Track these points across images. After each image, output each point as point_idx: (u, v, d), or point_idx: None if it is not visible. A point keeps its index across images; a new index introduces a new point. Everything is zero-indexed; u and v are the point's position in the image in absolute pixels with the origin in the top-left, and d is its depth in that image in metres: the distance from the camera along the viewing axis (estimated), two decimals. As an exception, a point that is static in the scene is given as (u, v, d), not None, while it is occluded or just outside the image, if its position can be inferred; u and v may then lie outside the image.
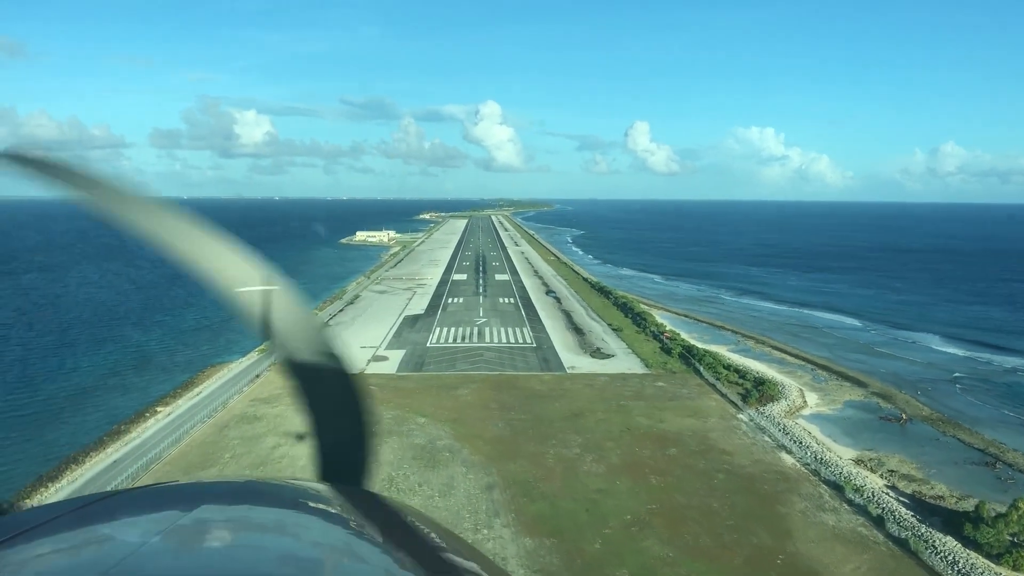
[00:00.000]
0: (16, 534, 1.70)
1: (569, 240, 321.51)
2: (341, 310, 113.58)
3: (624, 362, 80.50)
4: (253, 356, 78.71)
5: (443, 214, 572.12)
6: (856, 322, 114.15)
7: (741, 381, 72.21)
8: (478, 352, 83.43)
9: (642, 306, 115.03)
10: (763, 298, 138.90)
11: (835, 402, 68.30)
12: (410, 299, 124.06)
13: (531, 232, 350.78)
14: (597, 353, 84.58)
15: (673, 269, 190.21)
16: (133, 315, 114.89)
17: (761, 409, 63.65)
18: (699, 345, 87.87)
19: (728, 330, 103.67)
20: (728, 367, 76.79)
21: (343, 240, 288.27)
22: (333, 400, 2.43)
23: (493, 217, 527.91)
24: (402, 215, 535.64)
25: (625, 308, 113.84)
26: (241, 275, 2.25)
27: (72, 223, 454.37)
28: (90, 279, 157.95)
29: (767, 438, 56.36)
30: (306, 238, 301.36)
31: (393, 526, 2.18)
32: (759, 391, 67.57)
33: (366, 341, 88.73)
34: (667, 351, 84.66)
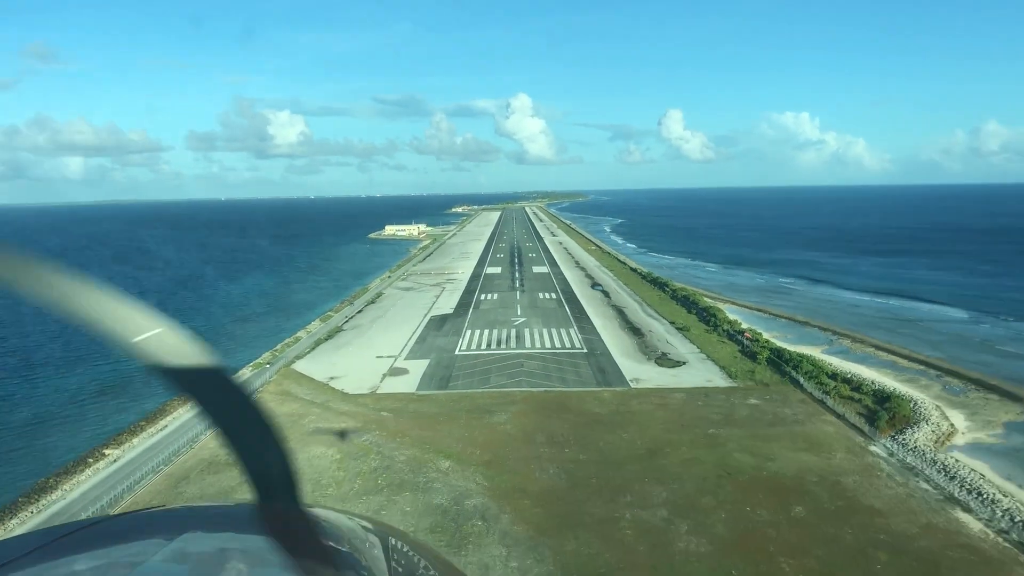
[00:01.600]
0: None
1: (607, 229, 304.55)
2: (360, 311, 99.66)
3: (700, 371, 64.82)
4: (242, 375, 64.99)
5: (476, 207, 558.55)
6: (961, 313, 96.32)
7: (856, 395, 56.16)
8: (517, 361, 68.51)
9: (706, 300, 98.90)
10: (838, 287, 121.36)
11: (992, 424, 51.75)
12: (438, 296, 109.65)
13: (567, 222, 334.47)
14: (664, 360, 69.00)
15: (727, 256, 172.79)
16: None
17: (899, 437, 47.59)
18: (787, 347, 71.76)
19: (814, 326, 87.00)
20: (834, 375, 60.67)
21: (372, 235, 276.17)
22: (248, 425, 2.30)
23: (527, 208, 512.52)
24: (435, 209, 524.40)
25: (686, 302, 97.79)
26: (132, 323, 2.08)
27: (96, 226, 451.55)
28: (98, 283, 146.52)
29: (925, 485, 40.35)
30: (334, 234, 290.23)
31: (338, 537, 2.16)
32: (886, 410, 51.42)
33: (384, 349, 74.45)
34: (750, 356, 68.72)
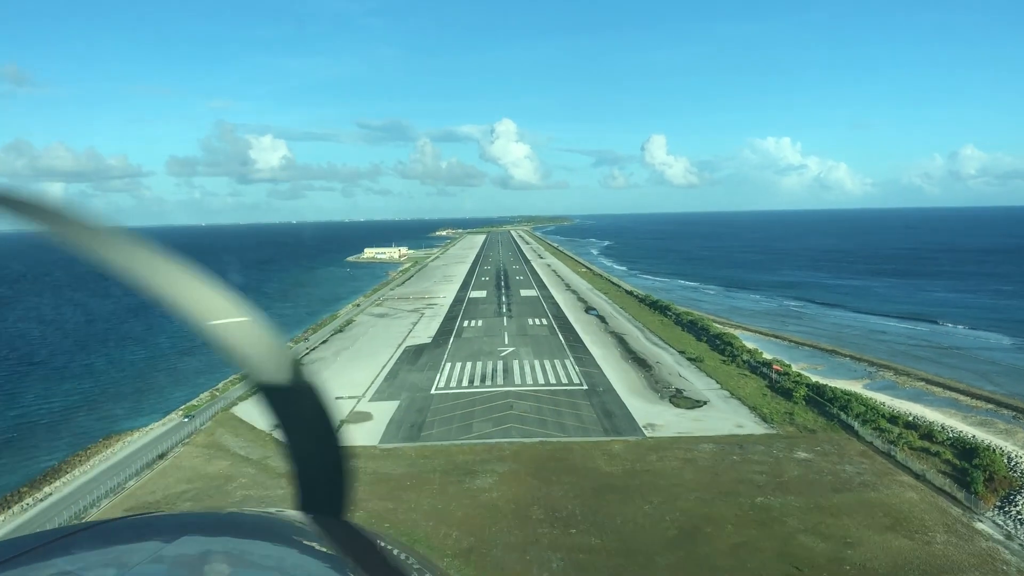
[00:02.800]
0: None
1: (596, 251, 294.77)
2: (324, 341, 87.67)
3: (726, 413, 53.45)
4: (170, 421, 53.05)
5: (460, 230, 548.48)
6: (1004, 338, 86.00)
7: (930, 445, 44.93)
8: (505, 401, 56.81)
9: (716, 325, 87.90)
10: (854, 310, 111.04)
11: (1113, 485, 40.67)
12: (415, 323, 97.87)
13: (555, 244, 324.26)
14: (680, 398, 57.58)
15: (724, 278, 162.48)
16: (60, 357, 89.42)
17: (1010, 510, 36.32)
18: (823, 380, 60.69)
19: (843, 355, 76.15)
20: (893, 419, 49.53)
21: (350, 258, 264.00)
22: (309, 429, 2.27)
23: (512, 231, 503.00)
24: (419, 233, 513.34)
25: (694, 328, 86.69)
26: (213, 307, 2.11)
27: (64, 252, 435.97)
28: (37, 311, 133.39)
29: (1077, 586, 29.05)
30: (311, 258, 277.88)
31: (375, 557, 2.15)
32: (978, 468, 40.21)
33: (345, 388, 62.51)
34: (783, 393, 57.51)
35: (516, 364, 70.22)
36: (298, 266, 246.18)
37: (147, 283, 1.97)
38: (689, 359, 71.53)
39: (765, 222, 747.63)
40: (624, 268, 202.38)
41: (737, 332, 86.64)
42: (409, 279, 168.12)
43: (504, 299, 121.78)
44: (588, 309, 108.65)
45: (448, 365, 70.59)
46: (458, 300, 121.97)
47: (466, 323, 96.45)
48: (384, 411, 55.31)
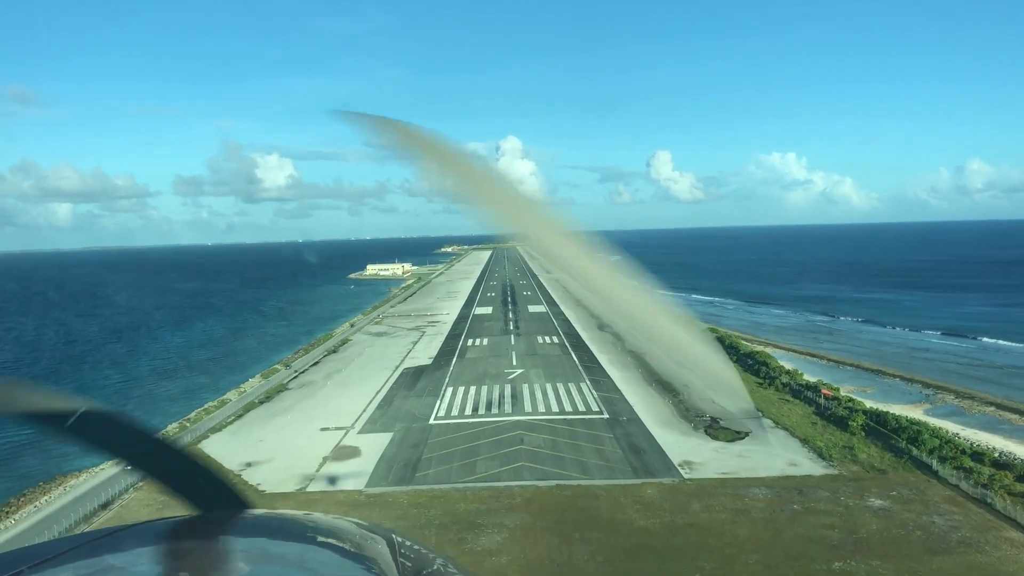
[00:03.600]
0: (36, 563, 1.80)
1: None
2: (316, 362, 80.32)
3: (774, 447, 45.72)
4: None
5: (466, 247, 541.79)
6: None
7: (1029, 489, 37.07)
8: (514, 434, 49.20)
9: (745, 343, 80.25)
10: (890, 325, 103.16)
11: None
12: (415, 343, 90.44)
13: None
14: (717, 429, 49.88)
15: (744, 292, 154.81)
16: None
17: None
18: (877, 405, 52.92)
19: (891, 375, 68.38)
20: (978, 455, 41.68)
21: (352, 275, 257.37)
22: (136, 447, 2.35)
23: (519, 247, 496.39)
24: (424, 250, 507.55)
25: (721, 346, 78.98)
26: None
27: (65, 272, 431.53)
28: (18, 331, 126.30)
29: None
30: (313, 276, 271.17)
31: (391, 552, 2.12)
32: (1101, 519, 32.35)
33: (332, 418, 55.09)
34: (836, 422, 49.82)
35: (526, 388, 62.64)
36: (297, 284, 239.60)
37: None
38: None
39: (773, 236, 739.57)
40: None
41: (768, 350, 78.84)
42: (411, 295, 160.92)
43: (511, 315, 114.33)
44: (602, 326, 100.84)
45: (449, 390, 63.02)
46: (462, 317, 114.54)
47: (470, 342, 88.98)
48: (375, 445, 47.73)
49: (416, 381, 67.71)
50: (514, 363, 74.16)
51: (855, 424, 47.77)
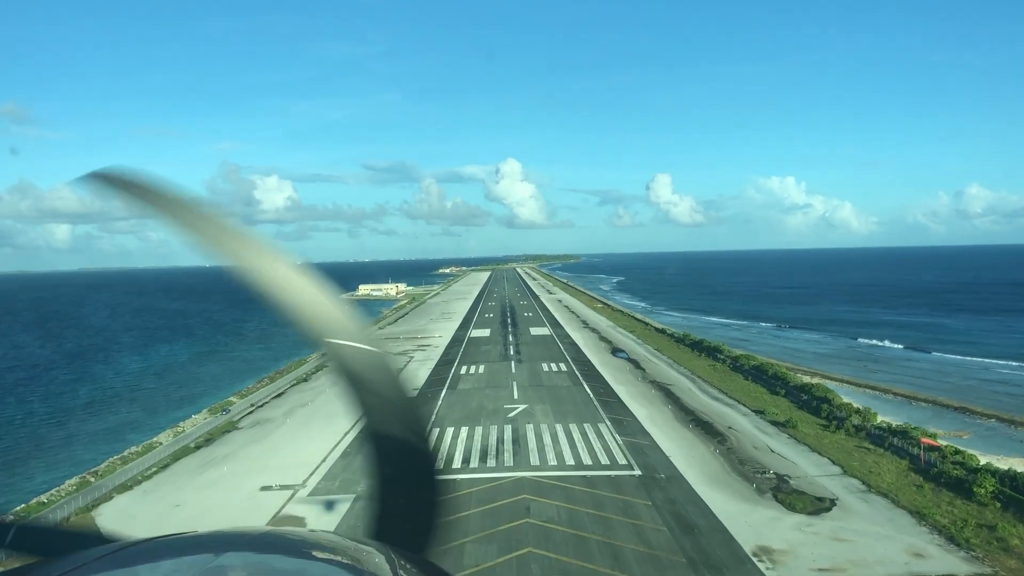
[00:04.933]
0: None
1: (609, 287, 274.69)
2: (280, 393, 67.83)
3: (879, 525, 32.88)
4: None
5: (464, 268, 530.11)
6: None
7: None
8: (517, 499, 36.37)
9: (789, 372, 67.59)
10: (941, 350, 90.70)
11: None
12: (400, 370, 77.64)
13: (563, 280, 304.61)
14: (790, 494, 37.04)
15: (764, 315, 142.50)
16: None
17: None
18: (996, 461, 40.26)
19: (984, 415, 55.95)
20: None
21: (343, 296, 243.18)
22: (407, 469, 2.30)
23: (518, 269, 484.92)
24: (423, 271, 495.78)
25: (762, 377, 66.38)
26: (334, 326, 2.17)
27: (48, 291, 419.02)
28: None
29: None
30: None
31: None
32: None
33: (279, 472, 42.31)
34: (951, 485, 37.05)
35: (530, 431, 49.90)
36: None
37: (262, 283, 2.00)
38: (773, 422, 51.20)
39: (775, 259, 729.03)
40: (645, 304, 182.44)
41: (813, 380, 66.17)
42: (402, 317, 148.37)
43: (511, 339, 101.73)
44: (615, 351, 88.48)
45: (435, 432, 50.19)
46: (456, 340, 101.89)
47: (464, 369, 76.27)
48: (324, 518, 34.87)
49: (394, 420, 54.88)
50: (515, 396, 61.48)
51: (982, 491, 35.02)
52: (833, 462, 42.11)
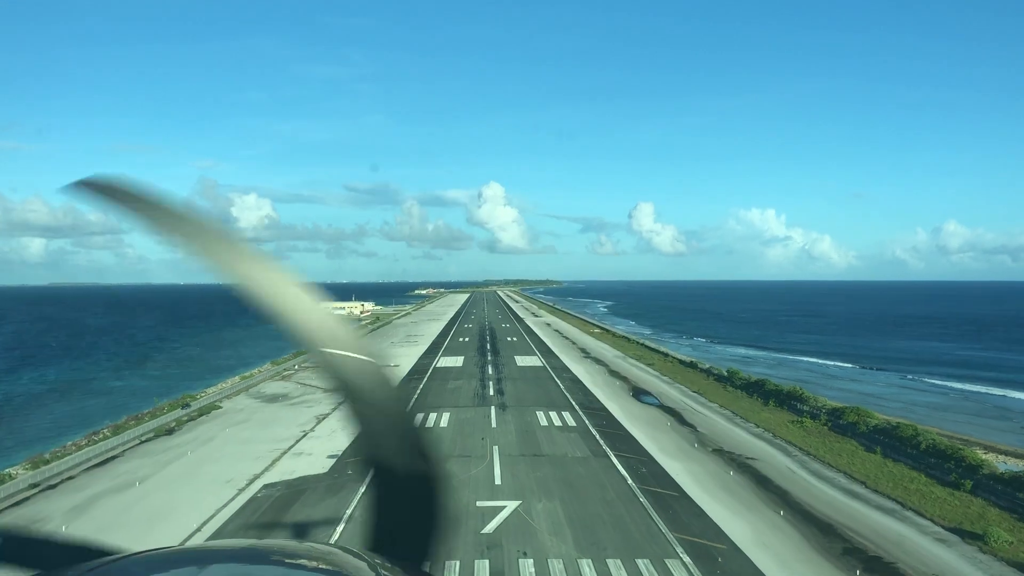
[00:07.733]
0: None
1: (600, 312, 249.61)
2: (111, 457, 41.22)
3: None
4: None
5: (443, 290, 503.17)
6: None
7: None
8: None
9: (933, 434, 42.12)
10: (986, 383, 67.46)
11: None
12: (322, 419, 51.52)
13: (548, 303, 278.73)
14: None
15: (799, 346, 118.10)
16: None
17: None
18: None
19: None
20: None
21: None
22: (403, 479, 2.25)
23: (499, 291, 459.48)
24: (399, 292, 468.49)
25: (902, 449, 40.76)
26: (328, 335, 2.13)
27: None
28: None
29: None
30: (254, 315, 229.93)
31: None
32: None
33: None
34: None
35: (528, 568, 23.91)
36: (235, 323, 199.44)
37: (257, 293, 1.98)
38: (954, 529, 25.60)
39: (761, 290, 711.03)
40: (647, 330, 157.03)
41: (987, 456, 40.77)
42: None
43: (491, 370, 75.68)
44: (637, 392, 62.83)
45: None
46: (417, 371, 75.55)
47: (419, 419, 49.96)
48: None
49: (281, 513, 28.79)
50: (497, 480, 35.36)
51: None
52: None
